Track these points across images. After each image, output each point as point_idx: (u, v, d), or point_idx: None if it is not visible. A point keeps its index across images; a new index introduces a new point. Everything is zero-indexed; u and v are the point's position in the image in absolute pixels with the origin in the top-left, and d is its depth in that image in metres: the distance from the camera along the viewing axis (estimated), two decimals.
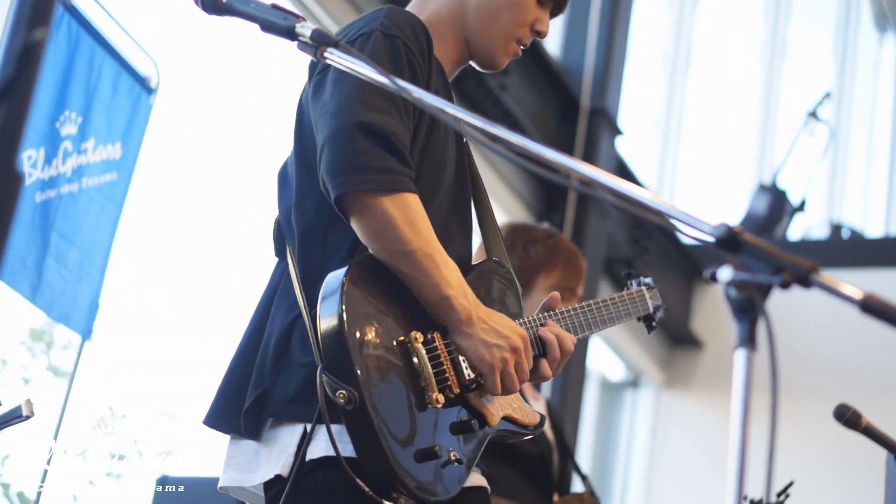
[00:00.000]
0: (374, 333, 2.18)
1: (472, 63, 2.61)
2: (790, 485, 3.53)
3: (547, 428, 3.86)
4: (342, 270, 2.18)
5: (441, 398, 2.22)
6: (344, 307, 2.14)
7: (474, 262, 2.53)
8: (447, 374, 2.25)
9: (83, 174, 4.17)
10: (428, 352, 2.24)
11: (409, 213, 2.18)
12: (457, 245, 2.44)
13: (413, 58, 2.33)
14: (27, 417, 2.97)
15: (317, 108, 2.29)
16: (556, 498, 3.76)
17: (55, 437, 3.96)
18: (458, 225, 2.48)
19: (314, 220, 2.33)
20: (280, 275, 2.39)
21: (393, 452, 2.12)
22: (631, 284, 2.92)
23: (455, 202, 2.46)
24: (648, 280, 2.95)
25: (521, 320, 2.45)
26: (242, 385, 2.31)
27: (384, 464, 2.11)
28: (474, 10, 2.52)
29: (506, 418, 2.41)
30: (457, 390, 2.26)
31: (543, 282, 3.75)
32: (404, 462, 2.14)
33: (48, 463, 3.79)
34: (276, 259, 2.45)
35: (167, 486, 3.64)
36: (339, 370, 2.12)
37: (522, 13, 2.52)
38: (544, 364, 2.44)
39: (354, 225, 2.21)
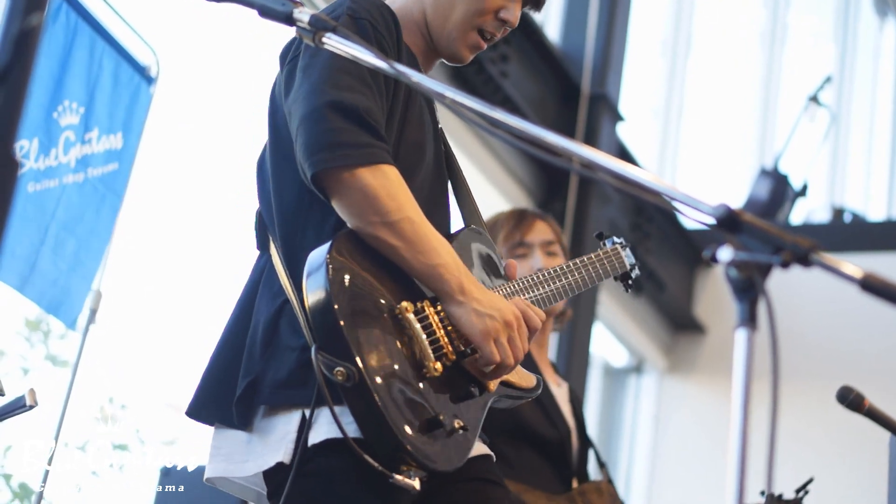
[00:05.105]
0: (363, 307, 2.16)
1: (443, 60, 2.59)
2: (810, 481, 3.53)
3: (568, 414, 3.86)
4: (325, 246, 2.17)
5: (439, 367, 2.20)
6: (330, 282, 2.12)
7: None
8: (441, 343, 2.23)
9: (88, 164, 4.17)
10: (420, 321, 2.22)
11: (389, 184, 2.18)
12: (439, 223, 2.42)
13: (382, 39, 2.32)
14: (31, 407, 2.97)
15: (289, 97, 2.29)
16: (574, 484, 3.76)
17: (58, 428, 3.95)
18: (439, 204, 2.47)
19: (294, 207, 2.32)
20: (263, 266, 2.37)
21: (398, 425, 2.10)
22: (604, 244, 2.87)
23: (434, 182, 2.46)
24: (621, 239, 2.90)
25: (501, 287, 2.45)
26: (227, 375, 2.29)
27: (390, 437, 2.09)
28: (432, 2, 2.50)
29: (503, 383, 2.39)
30: (453, 357, 2.24)
31: None
32: (410, 433, 2.12)
33: (49, 462, 3.79)
34: (258, 252, 2.43)
35: (169, 485, 3.64)
36: (333, 347, 2.09)
37: (479, 2, 2.47)
38: None
39: (335, 203, 2.20)
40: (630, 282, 2.90)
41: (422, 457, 2.12)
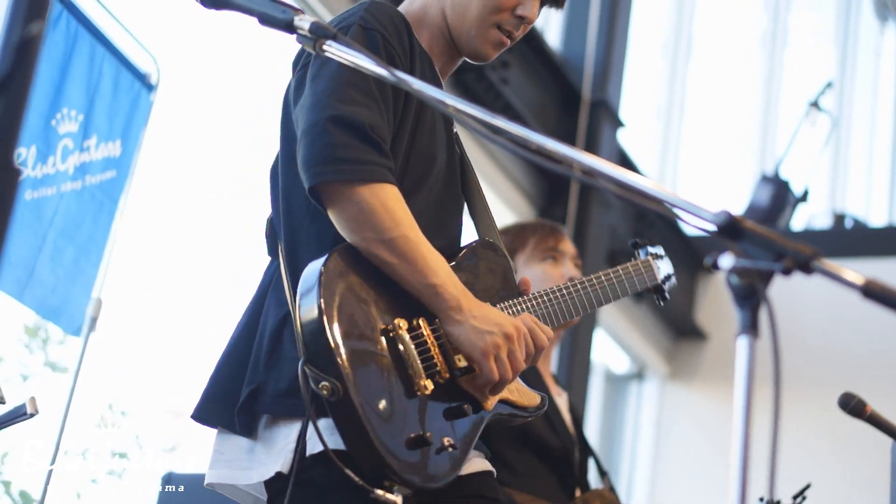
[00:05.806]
0: (355, 323, 2.15)
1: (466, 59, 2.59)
2: (807, 487, 3.52)
3: (569, 423, 3.86)
4: (320, 261, 2.17)
5: (429, 385, 2.20)
6: (322, 297, 2.12)
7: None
8: (435, 361, 2.23)
9: (86, 172, 4.16)
10: (414, 338, 2.21)
11: (387, 202, 2.17)
12: (449, 231, 2.44)
13: (392, 51, 2.32)
14: (31, 415, 2.97)
15: (297, 105, 2.29)
16: (577, 493, 3.76)
17: (59, 435, 3.95)
18: (450, 212, 2.46)
19: (302, 215, 2.32)
20: (273, 272, 2.37)
21: (381, 441, 2.10)
22: (638, 255, 2.85)
23: (446, 190, 2.45)
24: (657, 249, 2.87)
25: (509, 302, 2.44)
26: (233, 380, 2.29)
27: (372, 453, 2.09)
28: (451, 2, 2.49)
29: (503, 401, 2.37)
30: (446, 376, 2.24)
31: (519, 258, 3.73)
32: (394, 450, 2.12)
33: (52, 463, 3.78)
34: (270, 258, 2.44)
35: (171, 486, 3.63)
36: (320, 362, 2.10)
37: None
38: None
39: (332, 216, 2.20)
40: (665, 294, 2.88)
41: (404, 474, 2.12)
